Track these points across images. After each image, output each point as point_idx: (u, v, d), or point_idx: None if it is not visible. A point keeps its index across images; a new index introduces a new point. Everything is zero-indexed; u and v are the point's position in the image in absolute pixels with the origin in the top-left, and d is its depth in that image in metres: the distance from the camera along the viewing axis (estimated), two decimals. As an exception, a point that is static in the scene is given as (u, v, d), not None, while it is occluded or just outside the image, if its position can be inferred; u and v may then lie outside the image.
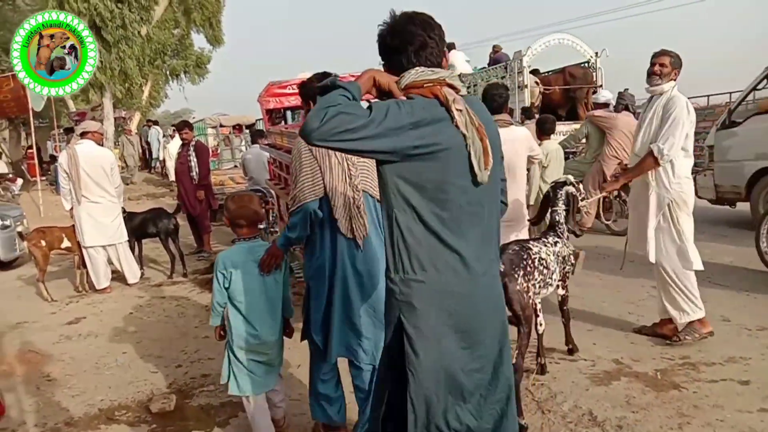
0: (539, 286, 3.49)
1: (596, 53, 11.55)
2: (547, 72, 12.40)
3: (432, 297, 1.82)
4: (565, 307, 3.98)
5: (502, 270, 3.15)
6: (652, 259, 4.07)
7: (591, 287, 5.43)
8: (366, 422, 2.87)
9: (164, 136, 19.58)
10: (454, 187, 1.80)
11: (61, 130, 20.08)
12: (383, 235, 1.93)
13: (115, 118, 18.71)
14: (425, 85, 1.82)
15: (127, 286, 6.72)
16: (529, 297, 3.35)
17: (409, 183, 1.79)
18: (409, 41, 1.85)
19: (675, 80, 4.00)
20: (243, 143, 14.55)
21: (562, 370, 3.77)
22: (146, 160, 21.21)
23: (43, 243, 6.45)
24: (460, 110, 1.79)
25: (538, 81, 11.49)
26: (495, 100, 4.22)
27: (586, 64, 11.62)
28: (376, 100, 1.87)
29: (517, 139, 4.21)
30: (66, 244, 6.60)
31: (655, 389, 3.44)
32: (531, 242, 3.64)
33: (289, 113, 10.01)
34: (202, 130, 14.12)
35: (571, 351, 3.99)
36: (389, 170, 1.81)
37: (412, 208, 1.80)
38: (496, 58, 13.07)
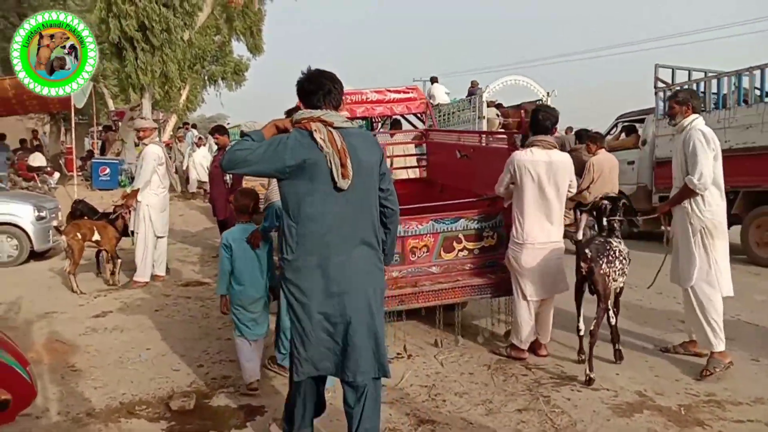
0: (618, 274, 4.05)
1: (547, 93, 13.43)
2: (509, 107, 14.29)
3: (297, 271, 2.63)
4: (619, 298, 4.37)
5: (589, 257, 3.99)
6: (684, 284, 4.17)
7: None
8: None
9: (190, 143, 17.74)
10: (320, 192, 2.58)
11: (100, 128, 20.54)
12: None
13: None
14: (302, 122, 2.63)
15: (154, 285, 6.85)
16: (610, 280, 3.98)
17: (290, 193, 2.63)
18: (320, 88, 2.70)
19: (692, 113, 4.19)
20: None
21: (583, 399, 3.72)
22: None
23: (79, 236, 6.63)
24: (322, 137, 2.56)
25: (499, 113, 13.35)
26: (542, 122, 4.35)
27: (539, 102, 13.13)
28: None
29: (559, 164, 4.24)
30: (96, 237, 6.76)
31: (678, 425, 3.37)
32: (610, 237, 4.17)
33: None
34: (236, 137, 14.27)
35: (616, 340, 4.30)
36: (281, 185, 2.67)
37: (289, 211, 2.63)
38: (471, 91, 15.34)
